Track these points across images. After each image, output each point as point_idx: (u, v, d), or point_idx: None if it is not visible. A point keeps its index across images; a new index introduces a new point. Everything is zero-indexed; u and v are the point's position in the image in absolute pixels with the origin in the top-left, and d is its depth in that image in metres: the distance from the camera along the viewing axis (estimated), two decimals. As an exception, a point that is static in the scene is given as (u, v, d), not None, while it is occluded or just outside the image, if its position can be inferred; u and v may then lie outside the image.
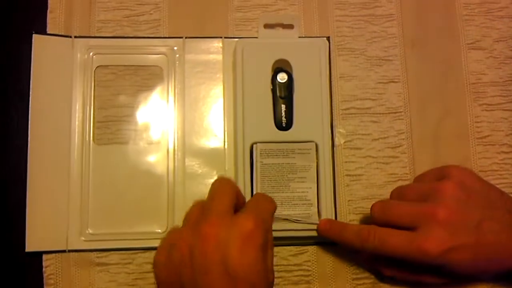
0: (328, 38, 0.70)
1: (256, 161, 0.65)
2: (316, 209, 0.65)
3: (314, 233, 0.63)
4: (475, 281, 0.64)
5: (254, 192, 0.64)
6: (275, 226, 0.62)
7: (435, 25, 0.73)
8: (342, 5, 0.73)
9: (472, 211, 0.55)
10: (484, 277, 0.63)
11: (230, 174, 0.67)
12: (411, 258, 0.55)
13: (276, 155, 0.65)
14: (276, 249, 0.66)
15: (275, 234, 0.61)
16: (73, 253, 0.65)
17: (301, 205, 0.65)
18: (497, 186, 0.61)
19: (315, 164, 0.65)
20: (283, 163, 0.65)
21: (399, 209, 0.58)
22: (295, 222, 0.64)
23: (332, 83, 0.70)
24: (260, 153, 0.65)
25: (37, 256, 0.65)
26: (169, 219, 0.66)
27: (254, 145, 0.64)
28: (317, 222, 0.63)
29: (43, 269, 0.65)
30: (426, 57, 0.72)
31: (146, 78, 0.69)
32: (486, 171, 0.70)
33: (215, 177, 0.66)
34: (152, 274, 0.65)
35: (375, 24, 0.72)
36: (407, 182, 0.68)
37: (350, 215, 0.68)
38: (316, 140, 0.65)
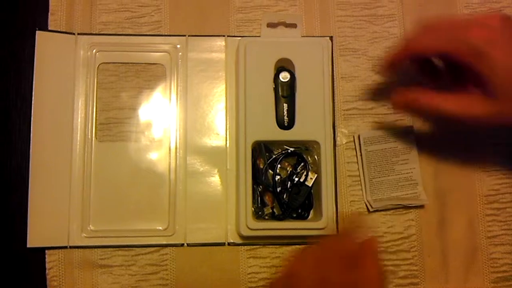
0: (331, 38, 0.70)
1: (361, 149, 0.67)
2: (422, 188, 0.67)
3: (324, 232, 0.63)
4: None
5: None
6: (283, 225, 0.64)
7: (436, 25, 0.73)
8: (344, 5, 0.73)
9: None
10: None
11: (231, 172, 0.67)
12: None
13: (379, 142, 0.68)
14: (279, 250, 0.67)
15: (282, 233, 0.63)
16: (77, 254, 0.65)
17: (407, 185, 0.67)
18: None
19: (415, 145, 0.68)
20: (386, 148, 0.67)
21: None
22: (405, 205, 0.67)
23: (334, 83, 0.70)
24: (364, 142, 0.67)
25: (39, 251, 0.65)
26: (170, 217, 0.66)
27: (357, 136, 0.68)
28: (426, 201, 0.67)
29: (46, 270, 0.65)
30: (428, 58, 0.72)
31: (147, 79, 0.69)
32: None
33: (217, 175, 0.67)
34: (154, 276, 0.65)
35: (377, 24, 0.73)
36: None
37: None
38: (318, 139, 0.65)
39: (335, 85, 0.70)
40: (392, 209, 0.68)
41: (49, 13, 0.69)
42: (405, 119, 0.70)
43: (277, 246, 0.67)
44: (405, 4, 0.73)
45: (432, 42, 0.57)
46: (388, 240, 0.68)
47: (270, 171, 0.66)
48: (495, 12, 0.57)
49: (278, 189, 0.66)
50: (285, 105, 0.65)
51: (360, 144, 0.68)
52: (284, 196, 0.66)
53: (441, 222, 0.68)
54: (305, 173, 0.66)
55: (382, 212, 0.68)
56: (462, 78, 0.58)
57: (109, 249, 0.66)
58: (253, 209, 0.64)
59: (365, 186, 0.68)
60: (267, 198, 0.66)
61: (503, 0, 0.74)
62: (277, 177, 0.66)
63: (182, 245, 0.66)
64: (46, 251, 0.65)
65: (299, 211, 0.66)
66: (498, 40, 0.53)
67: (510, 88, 0.53)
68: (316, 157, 0.66)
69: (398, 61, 0.61)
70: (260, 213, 0.65)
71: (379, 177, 0.68)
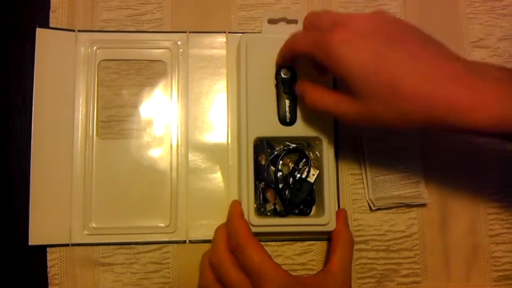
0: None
1: (363, 148, 0.68)
2: (424, 186, 0.68)
3: (326, 228, 0.63)
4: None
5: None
6: (285, 221, 0.64)
7: (439, 23, 0.73)
8: (346, 3, 0.73)
9: (395, 29, 0.53)
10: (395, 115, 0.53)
11: (233, 169, 0.67)
12: (319, 50, 0.54)
13: (381, 140, 0.68)
14: (281, 248, 0.67)
15: (285, 229, 0.63)
16: (78, 252, 0.65)
17: (409, 184, 0.68)
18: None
19: (418, 144, 0.69)
20: (388, 147, 0.68)
21: (319, 15, 0.58)
22: (407, 204, 0.67)
23: (335, 80, 0.69)
24: (366, 140, 0.68)
25: (41, 249, 0.65)
26: (172, 214, 0.66)
27: (359, 134, 0.68)
28: (428, 200, 0.67)
29: (48, 269, 0.65)
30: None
31: (149, 77, 0.69)
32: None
33: (219, 172, 0.67)
34: (156, 274, 0.65)
35: (379, 23, 0.72)
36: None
37: (355, 214, 0.68)
38: (320, 135, 0.64)
39: (336, 82, 0.70)
40: (394, 207, 0.68)
41: (50, 11, 0.69)
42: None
43: (279, 243, 0.67)
44: (408, 2, 0.73)
45: (299, 45, 0.58)
46: (390, 238, 0.68)
47: (272, 167, 0.66)
48: (373, 10, 0.55)
49: (280, 186, 0.65)
50: (287, 102, 0.64)
51: (362, 143, 0.68)
52: (286, 192, 0.66)
53: (443, 221, 0.68)
54: (307, 169, 0.65)
55: (384, 211, 0.68)
56: None
57: (111, 247, 0.65)
58: (255, 205, 0.64)
59: (367, 184, 0.68)
60: (269, 195, 0.66)
61: (504, -1, 0.74)
62: (279, 174, 0.66)
63: (184, 242, 0.66)
64: (48, 249, 0.65)
65: (301, 207, 0.66)
66: (354, 41, 0.51)
67: (369, 89, 0.51)
68: (318, 153, 0.65)
69: (286, 61, 0.62)
70: (262, 209, 0.65)
71: (381, 175, 0.68)
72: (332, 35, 0.52)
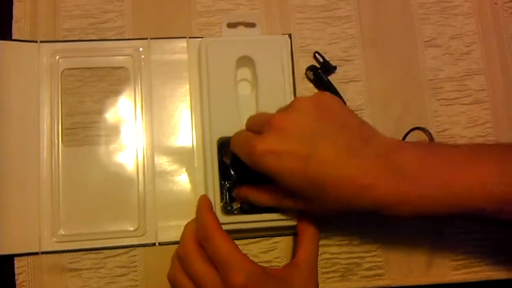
0: (290, 36, 0.72)
1: None
2: None
3: (290, 222, 0.64)
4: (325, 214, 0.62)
5: None
6: (252, 218, 0.64)
7: (392, 24, 0.76)
8: (302, 8, 0.75)
9: (314, 124, 0.54)
10: (325, 208, 0.56)
11: (199, 170, 0.68)
12: (246, 157, 0.57)
13: None
14: (247, 246, 0.68)
15: (252, 225, 0.64)
16: (46, 259, 0.65)
17: None
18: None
19: None
20: None
21: (256, 117, 0.62)
22: None
23: (296, 84, 0.72)
24: None
25: (10, 259, 0.65)
26: (140, 217, 0.67)
27: None
28: None
29: (16, 276, 0.65)
30: (385, 56, 0.75)
31: (112, 83, 0.70)
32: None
33: (185, 174, 0.68)
34: (124, 277, 0.66)
35: (335, 26, 0.75)
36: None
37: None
38: None
39: (296, 86, 0.72)
40: None
41: (13, 21, 0.70)
42: (363, 116, 0.73)
43: (245, 242, 0.68)
44: (362, 5, 0.76)
45: (233, 145, 0.62)
46: (352, 233, 0.69)
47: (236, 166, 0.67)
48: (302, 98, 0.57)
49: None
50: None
51: None
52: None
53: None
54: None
55: (346, 206, 0.69)
56: None
57: (78, 252, 0.66)
58: (222, 204, 0.65)
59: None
60: (236, 193, 0.67)
61: (455, 0, 0.77)
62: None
63: (154, 244, 0.66)
64: (15, 257, 0.65)
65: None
66: (279, 152, 0.53)
67: (301, 190, 0.54)
68: None
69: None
70: (229, 208, 0.66)
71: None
72: (258, 144, 0.54)
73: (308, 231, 0.63)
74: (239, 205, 0.67)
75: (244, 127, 0.64)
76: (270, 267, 0.62)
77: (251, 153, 0.54)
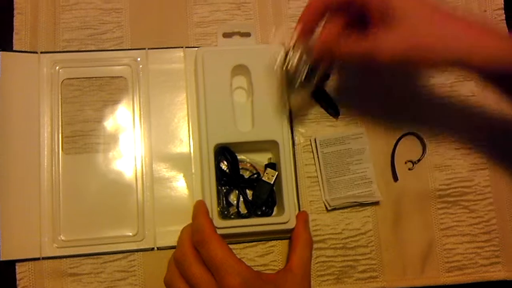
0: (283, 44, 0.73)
1: (318, 151, 0.70)
2: (376, 186, 0.70)
3: (286, 226, 0.65)
4: None
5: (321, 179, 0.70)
6: (249, 222, 0.66)
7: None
8: (296, 17, 0.73)
9: None
10: None
11: (197, 176, 0.69)
12: None
13: (334, 143, 0.70)
14: (244, 250, 0.69)
15: (248, 229, 0.65)
16: (47, 264, 0.66)
17: (362, 184, 0.70)
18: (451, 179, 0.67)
19: (368, 146, 0.71)
20: (341, 150, 0.70)
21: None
22: (360, 202, 0.70)
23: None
24: (320, 144, 0.70)
25: (12, 264, 0.66)
26: (139, 223, 0.68)
27: (313, 139, 0.71)
28: (380, 198, 0.70)
29: (17, 281, 0.66)
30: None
31: (111, 92, 0.71)
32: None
33: (183, 180, 0.69)
34: (123, 282, 0.67)
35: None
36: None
37: (313, 215, 0.71)
38: (276, 139, 0.67)
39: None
40: (349, 207, 0.71)
41: (13, 33, 0.71)
42: (358, 122, 0.73)
43: (242, 246, 0.69)
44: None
45: None
46: (346, 236, 0.71)
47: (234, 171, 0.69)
48: None
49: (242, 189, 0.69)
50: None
51: (316, 147, 0.71)
52: (248, 195, 0.69)
53: (397, 217, 0.71)
54: (266, 171, 0.68)
55: (340, 210, 0.71)
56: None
57: (79, 258, 0.67)
58: (218, 209, 0.66)
59: (323, 186, 0.71)
60: (232, 198, 0.68)
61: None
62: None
63: (153, 249, 0.68)
64: (16, 262, 0.66)
65: (263, 208, 0.68)
66: None
67: (411, 5, 0.56)
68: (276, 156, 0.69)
69: (314, 17, 0.63)
70: (226, 213, 0.67)
71: (336, 177, 0.71)
72: None
73: (301, 237, 0.64)
74: (236, 210, 0.68)
75: (240, 134, 0.66)
76: (266, 271, 0.63)
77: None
